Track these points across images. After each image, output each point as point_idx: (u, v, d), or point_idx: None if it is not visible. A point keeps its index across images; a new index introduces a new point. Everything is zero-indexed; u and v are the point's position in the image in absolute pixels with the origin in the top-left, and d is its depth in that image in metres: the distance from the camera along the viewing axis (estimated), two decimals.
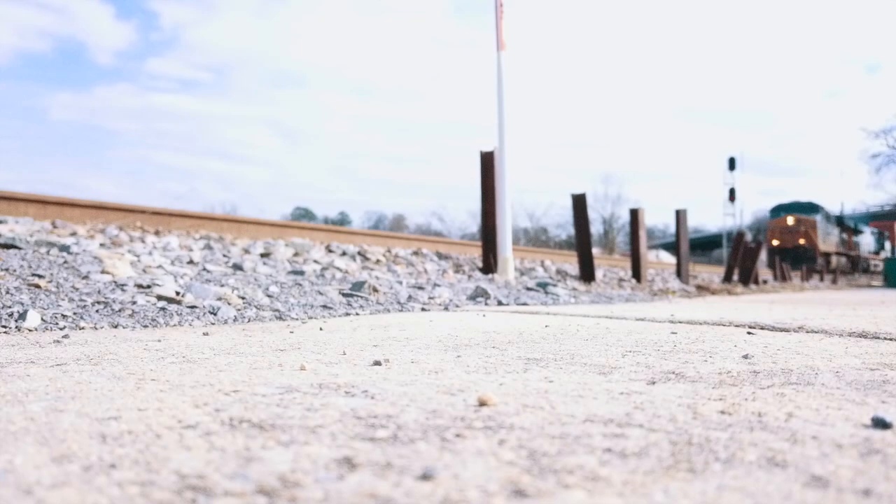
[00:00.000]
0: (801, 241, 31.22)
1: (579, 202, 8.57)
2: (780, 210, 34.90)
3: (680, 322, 2.60)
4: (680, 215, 10.64)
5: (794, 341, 1.93)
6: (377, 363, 1.38)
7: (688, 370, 1.33)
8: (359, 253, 6.20)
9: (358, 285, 3.79)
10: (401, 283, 4.73)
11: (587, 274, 7.88)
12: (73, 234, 4.56)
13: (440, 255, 7.20)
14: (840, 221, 37.06)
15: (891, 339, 1.98)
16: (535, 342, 1.83)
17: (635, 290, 7.80)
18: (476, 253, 8.66)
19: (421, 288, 4.64)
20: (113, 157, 68.99)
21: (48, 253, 3.49)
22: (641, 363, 1.43)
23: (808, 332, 2.27)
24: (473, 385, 1.12)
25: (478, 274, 6.22)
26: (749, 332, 2.16)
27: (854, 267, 36.46)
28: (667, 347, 1.72)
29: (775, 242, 31.66)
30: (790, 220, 32.33)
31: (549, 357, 1.51)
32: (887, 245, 44.97)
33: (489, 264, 6.47)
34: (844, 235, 36.44)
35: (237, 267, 4.10)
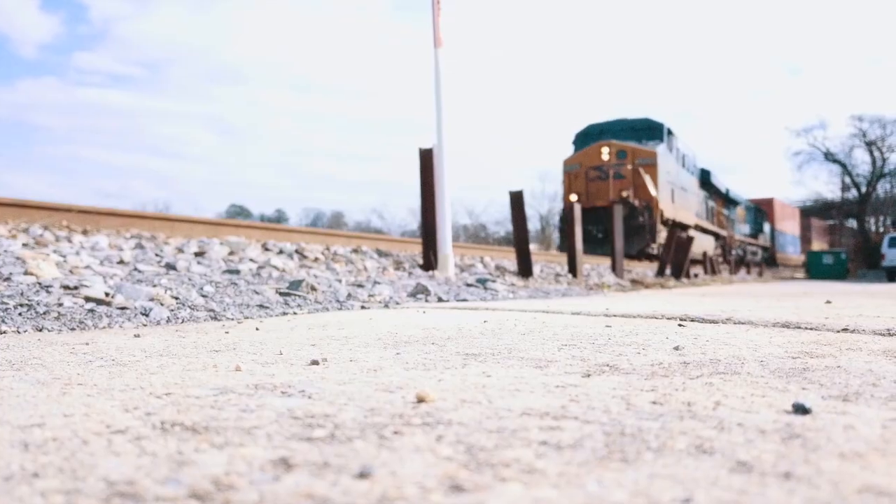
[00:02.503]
0: (626, 194, 17.26)
1: (517, 199, 8.66)
2: (589, 136, 19.71)
3: (614, 316, 2.66)
4: (615, 209, 10.90)
5: (723, 332, 2.01)
6: (315, 362, 1.37)
7: (622, 363, 1.37)
8: (296, 251, 6.11)
9: (295, 284, 3.74)
10: (340, 281, 4.68)
11: (525, 269, 7.97)
12: None
13: (380, 253, 7.17)
14: (706, 180, 24.45)
15: (811, 329, 2.08)
16: (474, 338, 1.85)
17: (571, 284, 7.93)
18: (417, 250, 8.66)
19: (361, 286, 4.61)
20: (41, 154, 66.06)
21: None
22: (577, 356, 1.46)
23: (735, 323, 2.35)
24: (412, 382, 1.12)
25: (418, 271, 6.22)
26: (680, 325, 2.23)
27: (725, 254, 24.46)
28: (601, 341, 1.76)
29: (575, 198, 16.85)
30: (605, 154, 17.79)
31: (488, 352, 1.53)
32: (766, 227, 37.37)
33: (429, 261, 6.47)
34: (712, 202, 25.37)
35: (170, 266, 3.99)
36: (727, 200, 28.92)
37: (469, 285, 5.61)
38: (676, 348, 1.58)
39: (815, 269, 23.58)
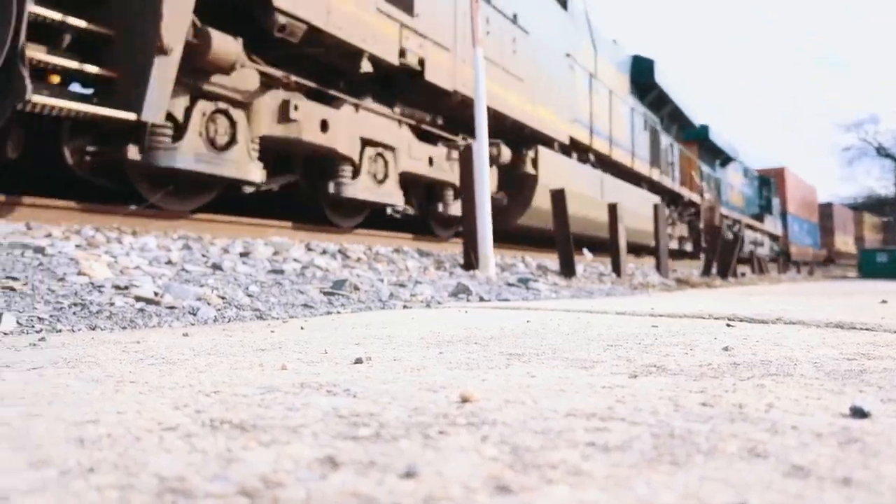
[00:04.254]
0: None
1: (558, 197, 8.59)
2: None
3: (660, 315, 2.62)
4: (658, 210, 10.72)
5: (773, 333, 1.96)
6: (359, 361, 1.38)
7: (669, 363, 1.34)
8: (339, 251, 6.17)
9: (339, 283, 3.77)
10: (382, 280, 4.71)
11: (568, 269, 7.91)
12: (49, 235, 4.49)
13: (421, 253, 7.19)
14: (678, 116, 18.33)
15: (867, 329, 2.01)
16: (518, 337, 1.84)
17: (616, 284, 7.84)
18: (457, 250, 8.66)
19: (403, 285, 4.63)
20: None
21: (22, 255, 3.43)
22: (623, 357, 1.44)
23: (785, 323, 2.29)
24: (456, 381, 1.12)
25: (459, 271, 6.22)
26: (728, 325, 2.18)
27: (697, 242, 17.66)
28: (647, 341, 1.73)
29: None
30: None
31: (531, 352, 1.52)
32: (775, 203, 28.67)
33: (470, 261, 6.47)
34: (672, 145, 16.83)
35: (216, 267, 4.06)
36: (716, 153, 21.48)
37: (510, 285, 5.58)
38: (725, 349, 1.54)
39: (868, 267, 22.52)
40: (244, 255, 5.07)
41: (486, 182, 6.56)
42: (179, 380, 1.16)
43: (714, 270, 11.48)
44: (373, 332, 2.02)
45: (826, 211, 39.30)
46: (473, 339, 1.82)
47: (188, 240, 5.37)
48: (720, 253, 11.36)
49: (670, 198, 16.93)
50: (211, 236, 6.06)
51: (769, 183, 28.52)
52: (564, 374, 1.20)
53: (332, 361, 1.39)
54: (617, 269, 9.16)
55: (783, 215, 30.26)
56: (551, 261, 9.30)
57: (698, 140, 20.63)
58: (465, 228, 6.94)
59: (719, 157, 22.48)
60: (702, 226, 18.14)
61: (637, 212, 13.23)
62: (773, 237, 27.94)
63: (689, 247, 18.11)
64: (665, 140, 16.61)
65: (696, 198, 18.40)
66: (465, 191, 6.94)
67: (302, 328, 2.23)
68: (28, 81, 4.17)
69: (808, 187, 35.84)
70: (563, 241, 8.04)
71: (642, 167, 14.73)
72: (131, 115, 4.89)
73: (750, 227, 23.54)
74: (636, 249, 14.07)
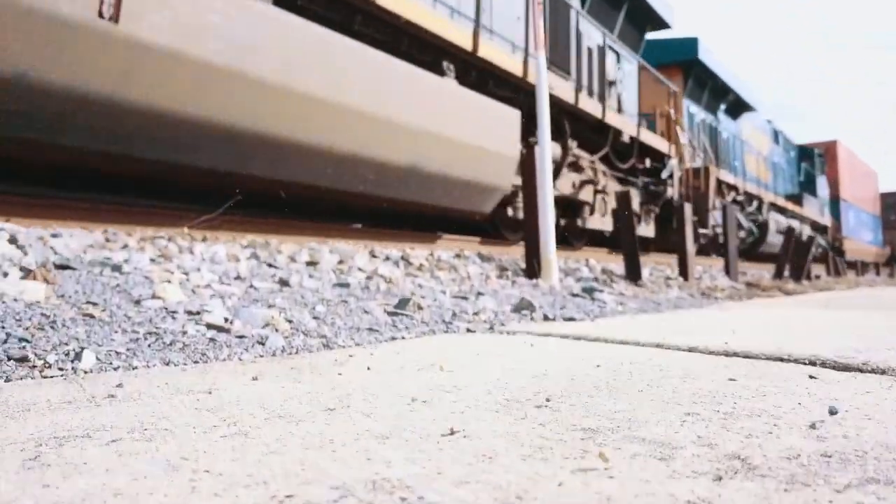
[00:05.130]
0: None
1: (623, 198, 8.42)
2: None
3: (735, 355, 2.52)
4: (728, 209, 10.40)
5: (862, 391, 1.85)
6: (428, 436, 1.36)
7: (753, 452, 1.27)
8: (402, 258, 6.19)
9: (403, 303, 3.78)
10: (444, 292, 4.71)
11: (633, 273, 7.75)
12: (125, 246, 4.64)
13: (483, 258, 7.15)
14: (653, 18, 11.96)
15: None
16: (590, 395, 1.79)
17: (683, 288, 7.65)
18: (519, 253, 8.59)
19: (465, 298, 4.61)
20: None
21: (101, 274, 3.55)
22: (703, 436, 1.38)
23: (873, 371, 2.17)
24: (531, 485, 1.09)
25: (521, 279, 6.16)
26: (811, 377, 2.07)
27: (666, 225, 11.56)
28: (726, 406, 1.66)
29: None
30: None
31: (605, 426, 1.47)
32: (820, 183, 22.33)
33: (533, 268, 6.40)
34: (614, 50, 10.28)
35: (284, 282, 4.13)
36: (717, 95, 14.91)
37: (574, 295, 5.50)
38: (812, 426, 1.46)
39: None
40: (311, 264, 5.14)
41: (550, 186, 6.47)
42: (251, 467, 1.16)
43: (786, 273, 11.08)
44: (438, 381, 2.00)
45: (889, 201, 31.99)
46: (544, 395, 1.78)
47: (256, 247, 5.48)
48: (793, 254, 10.93)
49: (611, 140, 10.03)
50: (277, 241, 6.16)
51: (812, 156, 21.75)
52: (644, 470, 1.15)
53: (401, 436, 1.38)
54: (684, 272, 8.94)
55: (834, 201, 23.84)
56: (616, 264, 9.13)
57: (683, 65, 13.32)
58: (526, 234, 6.88)
59: (723, 99, 15.36)
60: (675, 195, 11.44)
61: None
62: (818, 227, 21.65)
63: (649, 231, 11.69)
64: (591, 32, 9.63)
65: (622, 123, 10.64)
66: (527, 192, 6.87)
67: (368, 369, 2.23)
68: None
69: (867, 170, 28.72)
70: (629, 246, 7.88)
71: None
72: None
73: (779, 208, 17.29)
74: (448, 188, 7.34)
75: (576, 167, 9.57)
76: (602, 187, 10.10)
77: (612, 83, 10.01)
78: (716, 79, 14.68)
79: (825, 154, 23.60)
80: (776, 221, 16.32)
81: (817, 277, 12.95)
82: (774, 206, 17.03)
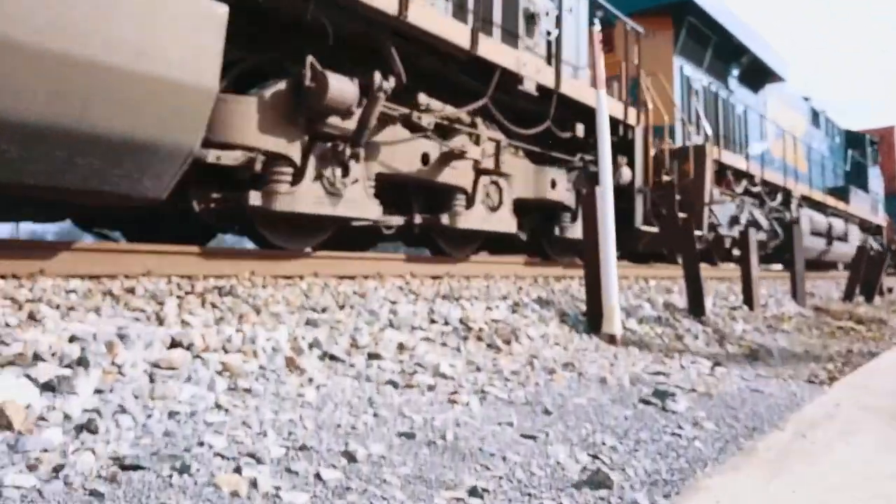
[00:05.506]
0: None
1: (685, 225, 7.96)
2: None
3: None
4: (795, 229, 9.79)
5: None
6: None
7: None
8: (460, 320, 5.78)
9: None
10: (512, 425, 4.30)
11: (697, 307, 7.34)
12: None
13: (541, 303, 6.57)
14: None
15: None
16: None
17: (748, 321, 7.21)
18: (575, 275, 8.15)
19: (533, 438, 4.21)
20: None
21: None
22: None
23: None
24: None
25: (580, 338, 5.70)
26: None
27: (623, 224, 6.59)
28: None
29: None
30: None
31: None
32: (873, 175, 18.78)
33: (595, 318, 5.99)
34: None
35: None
36: (725, 55, 10.86)
37: (644, 402, 5.08)
38: None
39: None
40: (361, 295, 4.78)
41: (612, 233, 6.03)
42: None
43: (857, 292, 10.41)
44: None
45: None
46: None
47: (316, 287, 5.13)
48: (864, 271, 10.25)
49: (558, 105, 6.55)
50: (336, 282, 5.44)
51: (863, 144, 18.45)
52: None
53: None
54: (749, 300, 8.46)
55: (891, 197, 20.68)
56: (677, 293, 8.58)
57: (672, 9, 9.63)
58: (587, 275, 6.47)
59: (735, 61, 11.56)
60: (638, 180, 7.88)
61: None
62: (869, 228, 18.22)
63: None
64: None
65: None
66: (587, 228, 6.46)
67: None
68: None
69: None
70: (692, 276, 7.44)
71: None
72: None
73: (815, 203, 13.90)
74: None
75: (443, 130, 6.00)
76: (491, 166, 6.60)
77: (531, 16, 6.70)
78: (723, 33, 10.56)
79: (880, 142, 20.37)
80: (811, 220, 13.30)
81: (889, 291, 12.07)
82: (808, 201, 13.74)
